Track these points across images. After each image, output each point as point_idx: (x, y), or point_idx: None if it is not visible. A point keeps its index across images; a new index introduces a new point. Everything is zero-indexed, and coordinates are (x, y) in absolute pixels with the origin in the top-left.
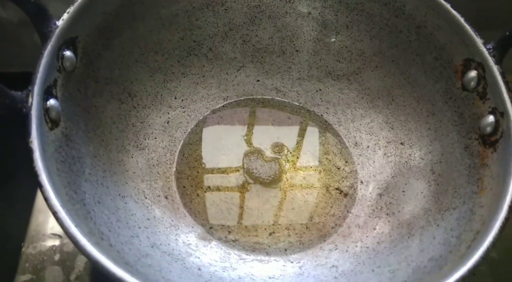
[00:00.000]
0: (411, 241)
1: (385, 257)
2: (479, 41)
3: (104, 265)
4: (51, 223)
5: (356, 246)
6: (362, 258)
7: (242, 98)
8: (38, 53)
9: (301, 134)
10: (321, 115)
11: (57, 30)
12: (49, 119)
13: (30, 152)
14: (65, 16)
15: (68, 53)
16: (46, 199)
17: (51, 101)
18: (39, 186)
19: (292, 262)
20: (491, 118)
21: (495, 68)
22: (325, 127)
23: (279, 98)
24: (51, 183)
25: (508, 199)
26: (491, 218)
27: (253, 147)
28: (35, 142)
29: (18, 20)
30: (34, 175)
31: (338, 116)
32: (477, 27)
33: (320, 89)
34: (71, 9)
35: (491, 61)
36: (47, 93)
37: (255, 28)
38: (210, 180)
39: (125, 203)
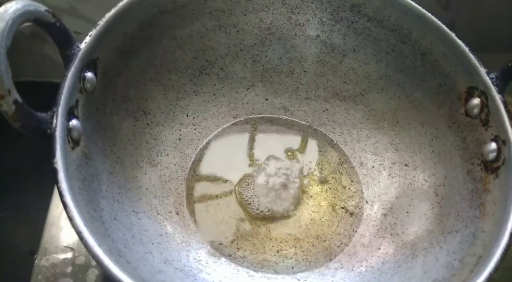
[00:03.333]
0: (415, 262)
1: (389, 277)
2: (482, 71)
3: None
4: (63, 236)
5: (361, 266)
6: (367, 278)
7: (251, 116)
8: (48, 63)
9: (308, 153)
10: (328, 134)
11: (80, 53)
12: (71, 139)
13: (54, 172)
14: (87, 39)
15: (89, 74)
16: (70, 219)
17: (73, 122)
18: (64, 205)
19: (299, 280)
20: (493, 145)
21: (498, 97)
22: (331, 146)
23: (287, 117)
24: (75, 202)
25: (509, 225)
26: (493, 244)
27: (260, 165)
28: (59, 163)
29: (29, 32)
30: (59, 195)
31: (344, 136)
32: (480, 50)
33: (327, 109)
34: (93, 32)
35: (494, 90)
36: (69, 114)
37: (265, 49)
38: (219, 196)
39: (139, 219)
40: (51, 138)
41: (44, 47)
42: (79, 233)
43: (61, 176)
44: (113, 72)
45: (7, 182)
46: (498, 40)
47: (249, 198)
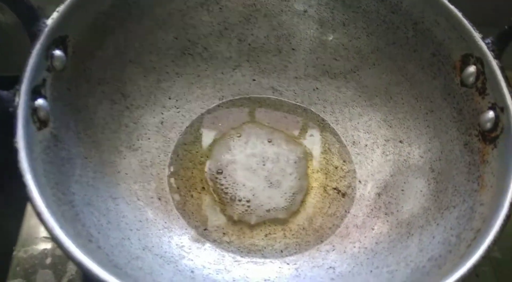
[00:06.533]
0: (410, 241)
1: (383, 257)
2: (477, 36)
3: (88, 267)
4: (42, 227)
5: (354, 247)
6: (360, 259)
7: (238, 97)
8: None
9: (298, 133)
10: (318, 114)
11: (46, 29)
12: (37, 119)
13: (15, 152)
14: (55, 15)
15: (57, 52)
16: (30, 199)
17: (40, 101)
18: (24, 186)
19: (288, 264)
20: (491, 113)
21: (494, 63)
22: (322, 126)
23: (276, 98)
24: (36, 183)
25: (509, 196)
26: (492, 215)
27: (245, 149)
28: (20, 142)
29: (15, 23)
30: (20, 175)
31: (335, 115)
32: (474, 23)
33: (317, 88)
34: (61, 8)
35: (490, 55)
36: (35, 93)
37: (251, 27)
38: (203, 181)
39: (117, 205)
40: (13, 117)
41: None
42: (38, 215)
43: (22, 155)
44: (86, 51)
45: None
46: (497, 14)
47: (227, 187)
